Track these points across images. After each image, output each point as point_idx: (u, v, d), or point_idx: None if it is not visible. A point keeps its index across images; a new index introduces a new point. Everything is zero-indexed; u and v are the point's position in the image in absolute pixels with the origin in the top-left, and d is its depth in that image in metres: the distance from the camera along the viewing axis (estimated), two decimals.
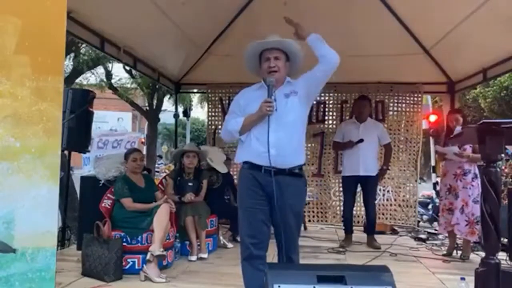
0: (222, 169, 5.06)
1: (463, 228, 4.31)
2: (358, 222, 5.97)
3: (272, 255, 2.60)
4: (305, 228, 5.90)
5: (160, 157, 17.04)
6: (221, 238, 4.88)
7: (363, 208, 5.44)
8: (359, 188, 5.18)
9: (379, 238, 5.45)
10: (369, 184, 5.04)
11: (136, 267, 3.66)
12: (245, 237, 2.55)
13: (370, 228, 5.12)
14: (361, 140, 4.89)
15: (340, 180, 6.15)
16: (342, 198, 6.20)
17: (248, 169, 2.56)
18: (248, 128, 2.55)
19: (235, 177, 6.22)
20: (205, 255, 4.24)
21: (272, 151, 2.45)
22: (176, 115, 7.68)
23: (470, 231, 4.28)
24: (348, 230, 5.13)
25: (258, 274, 2.41)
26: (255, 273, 2.46)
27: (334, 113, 6.54)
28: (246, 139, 2.59)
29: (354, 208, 5.33)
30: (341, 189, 6.30)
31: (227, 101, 6.64)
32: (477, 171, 4.36)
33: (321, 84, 2.66)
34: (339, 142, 5.19)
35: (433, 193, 8.09)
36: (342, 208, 5.60)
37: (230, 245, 4.86)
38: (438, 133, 4.96)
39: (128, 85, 12.51)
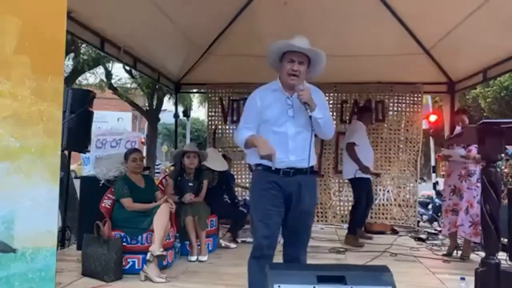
0: (218, 167, 5.03)
1: (467, 229, 4.29)
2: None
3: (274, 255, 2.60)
4: None
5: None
6: (221, 241, 4.86)
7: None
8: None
9: (379, 238, 5.48)
10: (371, 183, 5.38)
11: (136, 267, 3.66)
12: (260, 239, 2.53)
13: (363, 222, 5.52)
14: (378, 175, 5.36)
15: (341, 180, 6.20)
16: (342, 198, 6.23)
17: (264, 171, 2.54)
18: (249, 147, 2.54)
19: (235, 176, 6.24)
20: (204, 258, 4.23)
21: (292, 158, 2.49)
22: (176, 115, 7.67)
23: (474, 232, 4.26)
24: (354, 230, 5.21)
25: (263, 274, 2.41)
26: (261, 272, 2.45)
27: (334, 113, 6.53)
28: None
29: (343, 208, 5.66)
30: (341, 189, 6.34)
31: (227, 101, 6.64)
32: None
33: None
34: (357, 145, 5.09)
35: (433, 193, 8.09)
36: (343, 208, 5.64)
37: (232, 245, 4.85)
38: (438, 133, 4.97)
39: (128, 85, 12.52)
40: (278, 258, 2.67)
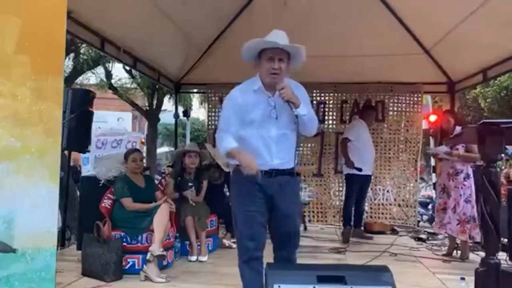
0: (225, 168, 5.03)
1: (454, 227, 4.35)
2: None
3: (268, 255, 2.58)
4: (305, 228, 5.90)
5: None
6: (224, 241, 4.85)
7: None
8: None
9: (379, 238, 5.48)
10: (368, 182, 5.51)
11: (136, 267, 3.66)
12: (245, 240, 2.48)
13: (360, 221, 5.59)
14: (360, 169, 5.18)
15: (340, 180, 6.20)
16: (342, 198, 6.23)
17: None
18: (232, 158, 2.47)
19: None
20: (204, 258, 4.22)
21: (275, 161, 2.45)
22: (176, 115, 7.67)
23: (461, 230, 4.31)
24: (349, 224, 5.32)
25: (257, 275, 2.40)
26: (254, 275, 2.43)
27: (334, 113, 6.54)
28: (246, 144, 2.48)
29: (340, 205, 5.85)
30: (340, 189, 6.33)
31: None
32: (469, 171, 4.38)
33: None
34: (351, 140, 5.26)
35: (433, 193, 8.09)
36: (342, 206, 5.66)
37: (234, 245, 4.84)
38: (437, 133, 5.02)
39: (128, 85, 12.50)
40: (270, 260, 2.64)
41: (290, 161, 2.49)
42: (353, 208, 5.43)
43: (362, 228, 5.71)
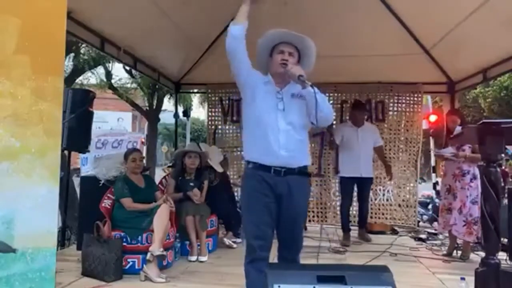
0: (219, 168, 5.06)
1: (460, 229, 4.32)
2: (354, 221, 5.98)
3: (272, 255, 2.59)
4: (305, 228, 5.90)
5: None
6: (226, 240, 4.85)
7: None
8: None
9: (379, 238, 5.48)
10: (366, 184, 5.32)
11: (136, 267, 3.66)
12: (252, 240, 2.48)
13: (363, 222, 5.50)
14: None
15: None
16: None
17: (255, 169, 2.49)
18: (243, 16, 2.49)
19: (235, 176, 6.24)
20: (204, 258, 4.22)
21: (282, 152, 2.43)
22: (176, 115, 7.67)
23: (468, 231, 4.29)
24: (347, 228, 5.26)
25: (262, 276, 2.39)
26: (259, 275, 2.39)
27: (334, 113, 6.51)
28: (254, 136, 2.51)
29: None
30: None
31: (227, 101, 6.64)
32: (476, 172, 4.35)
33: None
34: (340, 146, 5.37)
35: (433, 193, 8.09)
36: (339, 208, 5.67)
37: (235, 245, 4.85)
38: (438, 133, 4.99)
39: (128, 85, 12.51)
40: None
41: (300, 159, 2.49)
42: (355, 210, 5.42)
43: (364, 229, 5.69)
